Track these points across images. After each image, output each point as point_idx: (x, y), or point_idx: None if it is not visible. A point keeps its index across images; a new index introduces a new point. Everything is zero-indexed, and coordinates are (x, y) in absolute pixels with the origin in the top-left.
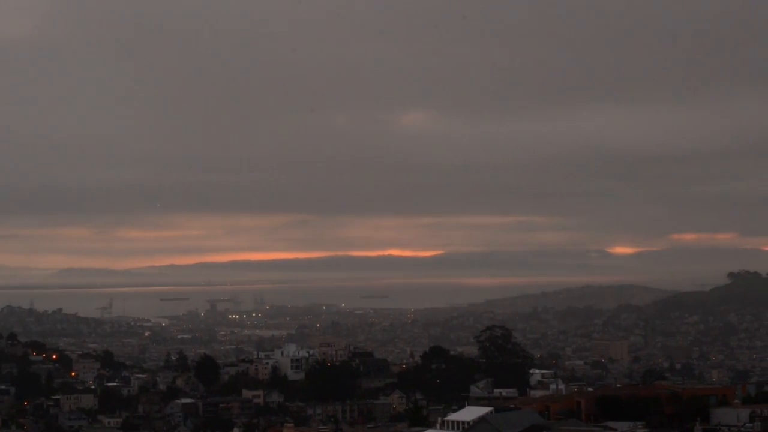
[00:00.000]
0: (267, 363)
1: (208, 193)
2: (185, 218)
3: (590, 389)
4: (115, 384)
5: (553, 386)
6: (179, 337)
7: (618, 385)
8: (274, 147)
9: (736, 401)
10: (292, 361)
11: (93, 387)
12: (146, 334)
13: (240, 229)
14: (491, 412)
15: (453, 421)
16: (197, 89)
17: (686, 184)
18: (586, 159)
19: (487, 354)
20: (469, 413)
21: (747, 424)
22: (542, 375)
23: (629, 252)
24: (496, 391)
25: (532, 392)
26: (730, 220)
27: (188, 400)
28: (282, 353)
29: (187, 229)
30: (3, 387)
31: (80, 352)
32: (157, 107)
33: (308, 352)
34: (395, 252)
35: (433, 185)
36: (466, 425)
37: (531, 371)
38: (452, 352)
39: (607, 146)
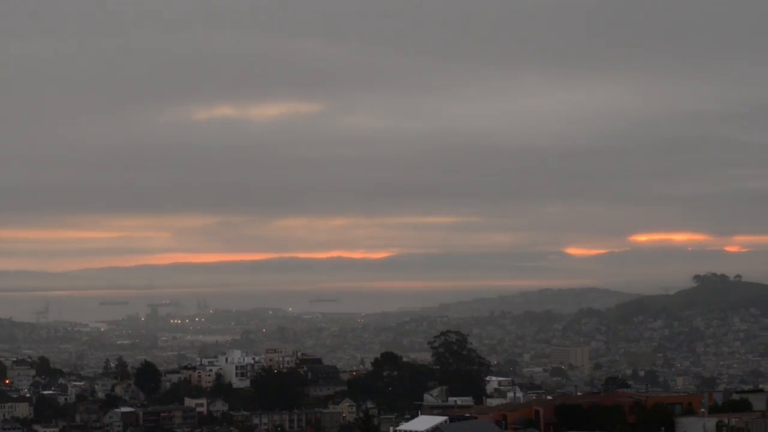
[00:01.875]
0: (210, 370)
1: (141, 191)
2: (121, 218)
3: (549, 397)
4: (51, 392)
5: (510, 394)
6: (119, 342)
7: (578, 394)
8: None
9: (703, 410)
10: (236, 368)
11: (28, 395)
12: (84, 339)
13: (181, 230)
14: (445, 421)
15: (406, 431)
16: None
17: (645, 182)
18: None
19: (441, 360)
20: (423, 423)
21: None
22: (499, 382)
23: (589, 254)
24: (451, 399)
25: (489, 401)
26: (693, 220)
27: (128, 409)
28: (226, 360)
29: (126, 230)
30: None
31: (15, 359)
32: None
33: (254, 358)
34: (345, 254)
35: (385, 183)
36: None
37: (487, 378)
38: (405, 359)
39: (556, 143)
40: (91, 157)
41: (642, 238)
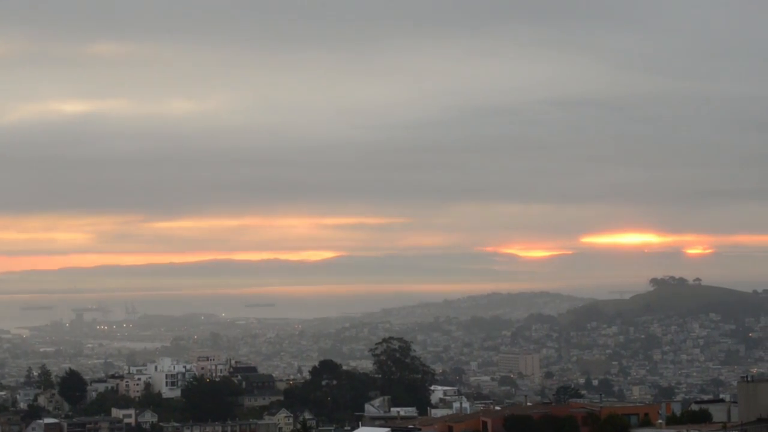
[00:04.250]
0: (139, 379)
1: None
2: (44, 219)
3: (498, 408)
4: None
5: (456, 405)
6: (42, 350)
7: (528, 404)
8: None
9: (660, 421)
10: (166, 376)
11: None
12: (5, 346)
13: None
14: None
15: None
16: None
17: (596, 176)
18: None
19: (383, 369)
20: None
21: None
22: (444, 392)
23: (539, 256)
24: (394, 410)
25: (433, 411)
26: (647, 217)
27: (52, 420)
28: (156, 368)
29: (48, 230)
30: None
31: None
32: None
33: (185, 366)
34: (281, 256)
35: (324, 182)
36: None
37: (432, 388)
38: (345, 367)
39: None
40: None
41: (594, 239)
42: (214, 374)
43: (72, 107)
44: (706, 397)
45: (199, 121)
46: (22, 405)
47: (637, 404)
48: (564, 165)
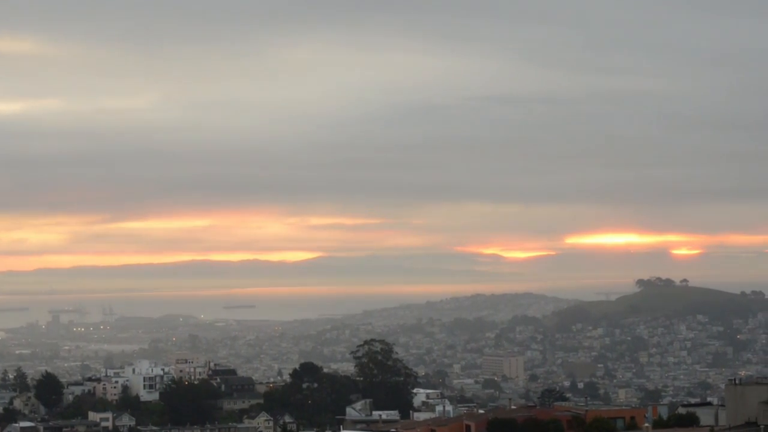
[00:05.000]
0: (116, 382)
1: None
2: (11, 218)
3: (481, 411)
4: None
5: (439, 408)
6: (17, 352)
7: (513, 407)
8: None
9: (646, 425)
10: (144, 379)
11: None
12: None
13: (78, 232)
14: None
15: None
16: None
17: (580, 173)
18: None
19: (364, 372)
20: None
21: None
22: (427, 395)
23: (524, 257)
24: (375, 413)
25: (416, 415)
26: (632, 216)
27: (28, 424)
28: (133, 371)
29: (17, 230)
30: None
31: None
32: None
33: (163, 369)
34: (261, 256)
35: (304, 181)
36: None
37: (414, 391)
38: (326, 370)
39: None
40: None
41: (578, 239)
42: (192, 377)
43: (4, 106)
44: (693, 401)
45: (134, 120)
46: None
47: (623, 407)
48: (534, 163)
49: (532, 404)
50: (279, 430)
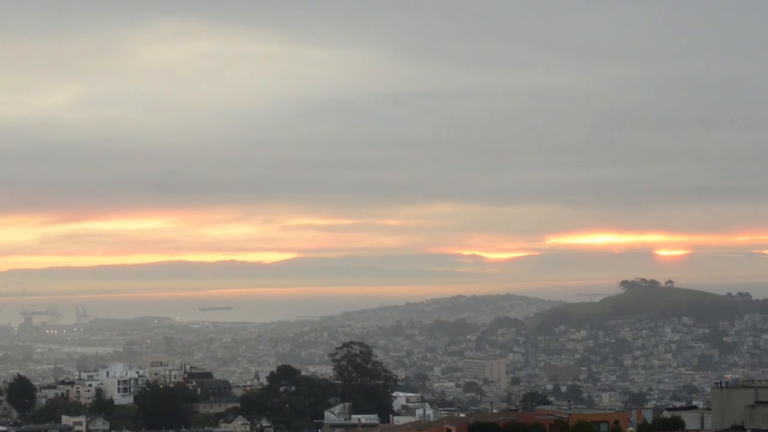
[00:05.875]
0: (90, 385)
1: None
2: None
3: (462, 415)
4: None
5: (419, 412)
6: None
7: (494, 411)
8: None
9: (630, 429)
10: (119, 382)
11: None
12: None
13: (47, 233)
14: None
15: None
16: None
17: (565, 172)
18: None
19: (343, 374)
20: None
21: None
22: (407, 399)
23: (505, 258)
24: (354, 417)
25: (396, 419)
26: (613, 216)
27: None
28: (107, 374)
29: None
30: None
31: None
32: None
33: (138, 372)
34: (238, 257)
35: (280, 180)
36: None
37: (394, 394)
38: (303, 372)
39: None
40: None
41: (561, 239)
42: (168, 380)
43: None
44: (678, 404)
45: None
46: None
47: (607, 411)
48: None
49: (514, 408)
50: None
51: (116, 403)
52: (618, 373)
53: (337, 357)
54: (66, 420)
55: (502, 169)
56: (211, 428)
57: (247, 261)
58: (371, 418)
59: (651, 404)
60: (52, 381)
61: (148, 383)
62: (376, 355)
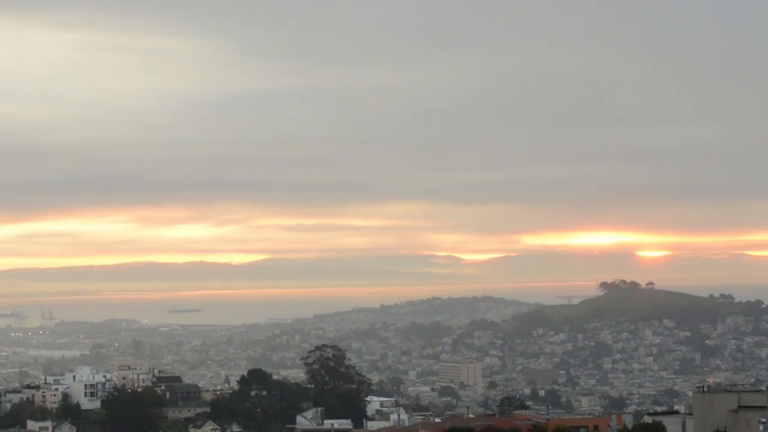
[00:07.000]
0: (56, 389)
1: None
2: None
3: (438, 420)
4: None
5: (394, 416)
6: None
7: (471, 416)
8: None
9: None
10: (85, 386)
11: None
12: None
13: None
14: None
15: None
16: None
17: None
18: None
19: (316, 378)
20: None
21: None
22: (381, 403)
23: (481, 259)
24: (327, 422)
25: (369, 424)
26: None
27: None
28: (74, 378)
29: None
30: None
31: None
32: None
33: (105, 376)
34: (208, 258)
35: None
36: None
37: (368, 399)
38: (275, 376)
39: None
40: None
41: (538, 239)
42: (136, 384)
43: None
44: (659, 409)
45: None
46: None
47: (586, 416)
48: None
49: (491, 413)
50: None
51: (83, 407)
52: (597, 377)
53: (310, 360)
54: (31, 425)
55: (457, 168)
56: None
57: (216, 262)
58: (344, 423)
59: (631, 409)
60: (17, 385)
61: (115, 387)
62: (350, 359)
